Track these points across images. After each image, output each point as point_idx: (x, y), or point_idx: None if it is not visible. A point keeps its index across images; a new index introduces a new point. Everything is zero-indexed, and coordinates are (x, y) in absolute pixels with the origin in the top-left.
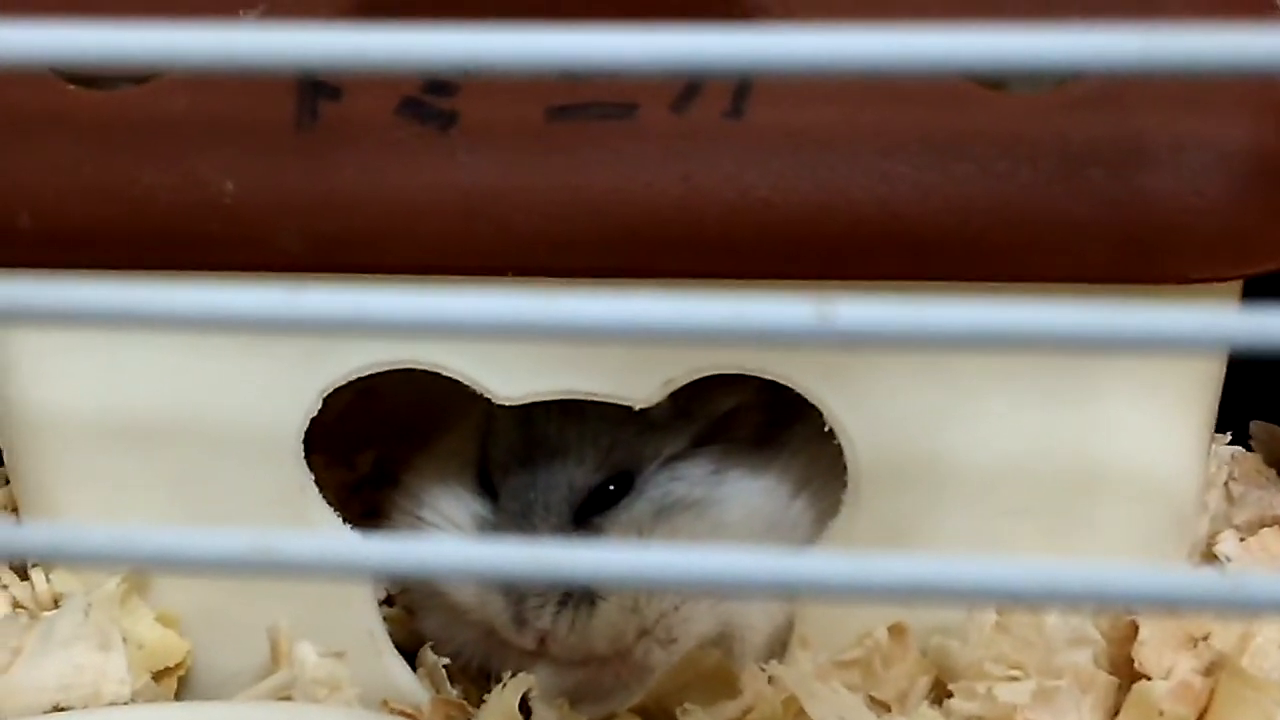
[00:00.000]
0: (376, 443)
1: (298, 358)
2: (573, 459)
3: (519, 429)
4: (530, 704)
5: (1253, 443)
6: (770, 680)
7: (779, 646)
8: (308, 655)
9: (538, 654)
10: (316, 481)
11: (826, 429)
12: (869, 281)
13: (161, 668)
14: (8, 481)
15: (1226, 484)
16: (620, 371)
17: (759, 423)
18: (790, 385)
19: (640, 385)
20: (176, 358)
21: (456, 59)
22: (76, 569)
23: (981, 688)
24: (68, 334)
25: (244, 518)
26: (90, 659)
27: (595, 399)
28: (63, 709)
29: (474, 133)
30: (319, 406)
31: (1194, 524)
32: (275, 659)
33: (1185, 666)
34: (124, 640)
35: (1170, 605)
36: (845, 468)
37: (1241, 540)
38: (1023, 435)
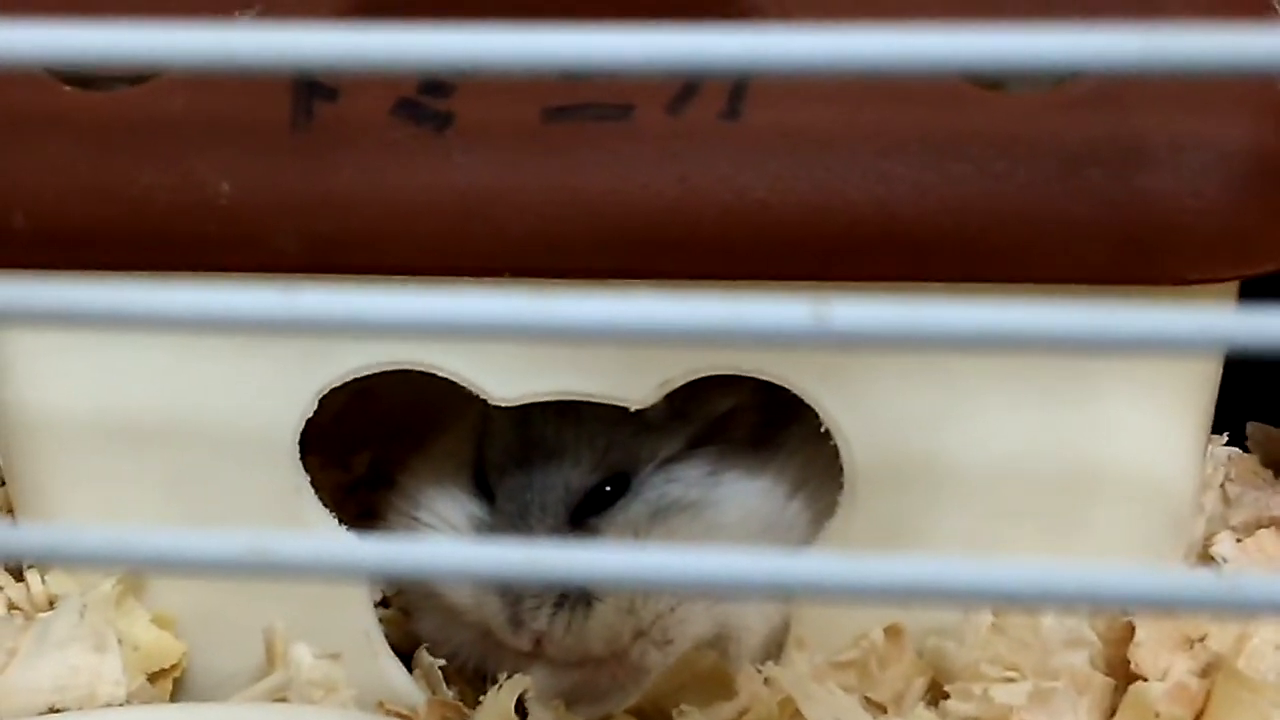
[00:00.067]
0: (372, 444)
1: (293, 359)
2: (569, 460)
3: (515, 430)
4: (526, 705)
5: (1249, 444)
6: (766, 681)
7: (775, 648)
8: (303, 657)
9: (534, 655)
10: (312, 483)
11: (823, 430)
12: (866, 282)
13: (157, 669)
14: (3, 483)
15: (1223, 485)
16: (616, 372)
17: (755, 424)
18: (786, 386)
19: (636, 386)
20: (172, 358)
21: (452, 59)
22: (72, 570)
23: (978, 689)
24: (63, 335)
25: (240, 519)
26: (85, 660)
27: (591, 400)
28: (58, 710)
29: (470, 133)
30: (315, 407)
31: (1190, 525)
32: (271, 660)
33: (1181, 668)
34: (119, 642)
35: (1166, 606)
36: (841, 469)
37: (1238, 541)
38: (1019, 436)
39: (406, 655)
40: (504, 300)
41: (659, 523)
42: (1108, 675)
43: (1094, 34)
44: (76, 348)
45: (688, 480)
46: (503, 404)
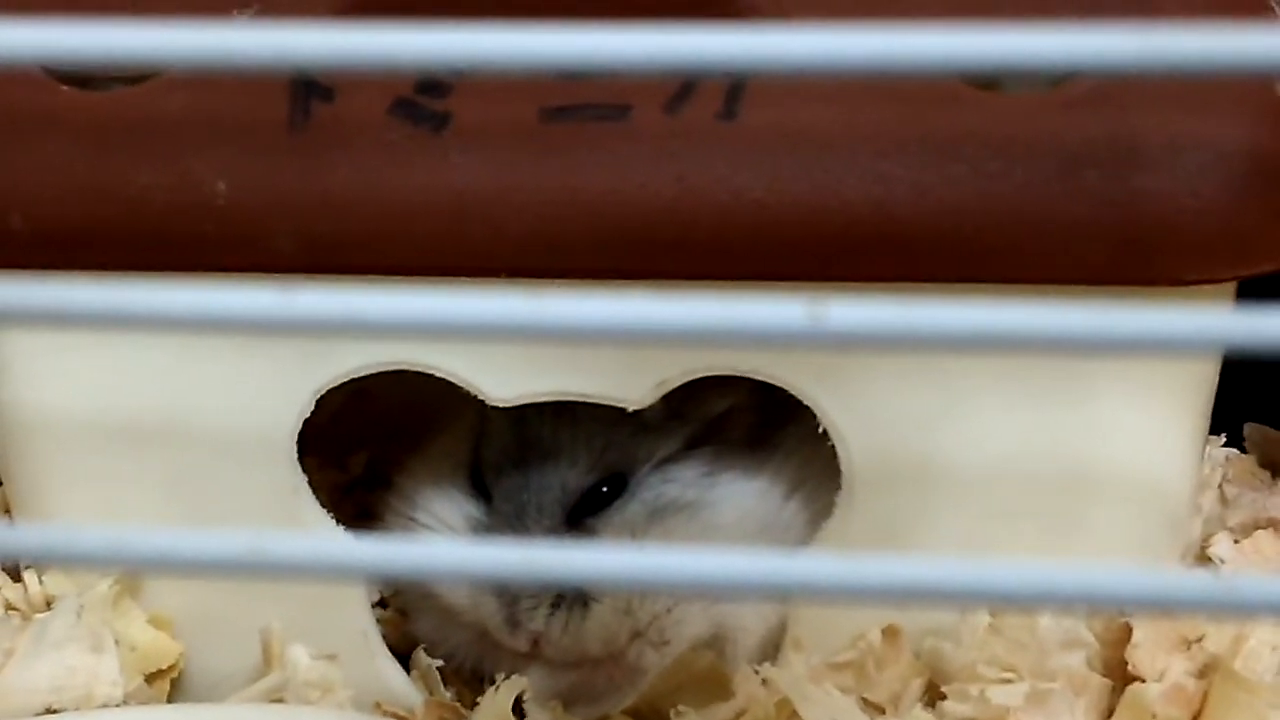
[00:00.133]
0: (369, 444)
1: (291, 359)
2: (566, 460)
3: (512, 430)
4: (524, 706)
5: (1247, 445)
6: (763, 682)
7: (772, 648)
8: (300, 657)
9: (531, 656)
10: (310, 483)
11: (820, 430)
12: (863, 283)
13: (154, 670)
14: (1, 483)
15: (1221, 486)
16: (613, 373)
17: (752, 424)
18: (783, 387)
19: (633, 387)
20: (169, 359)
21: (449, 58)
22: (69, 571)
23: (975, 690)
24: (61, 335)
25: (237, 519)
26: (82, 661)
27: (588, 400)
28: (55, 711)
29: (467, 134)
30: (312, 408)
31: (1187, 526)
32: (268, 661)
33: (1178, 669)
34: (116, 642)
35: (1163, 607)
36: (839, 469)
37: (1235, 542)
38: (1017, 436)
39: (404, 656)
40: (501, 301)
41: (656, 523)
42: (1105, 676)
43: (1091, 34)
44: (74, 348)
45: (685, 481)
46: (500, 404)
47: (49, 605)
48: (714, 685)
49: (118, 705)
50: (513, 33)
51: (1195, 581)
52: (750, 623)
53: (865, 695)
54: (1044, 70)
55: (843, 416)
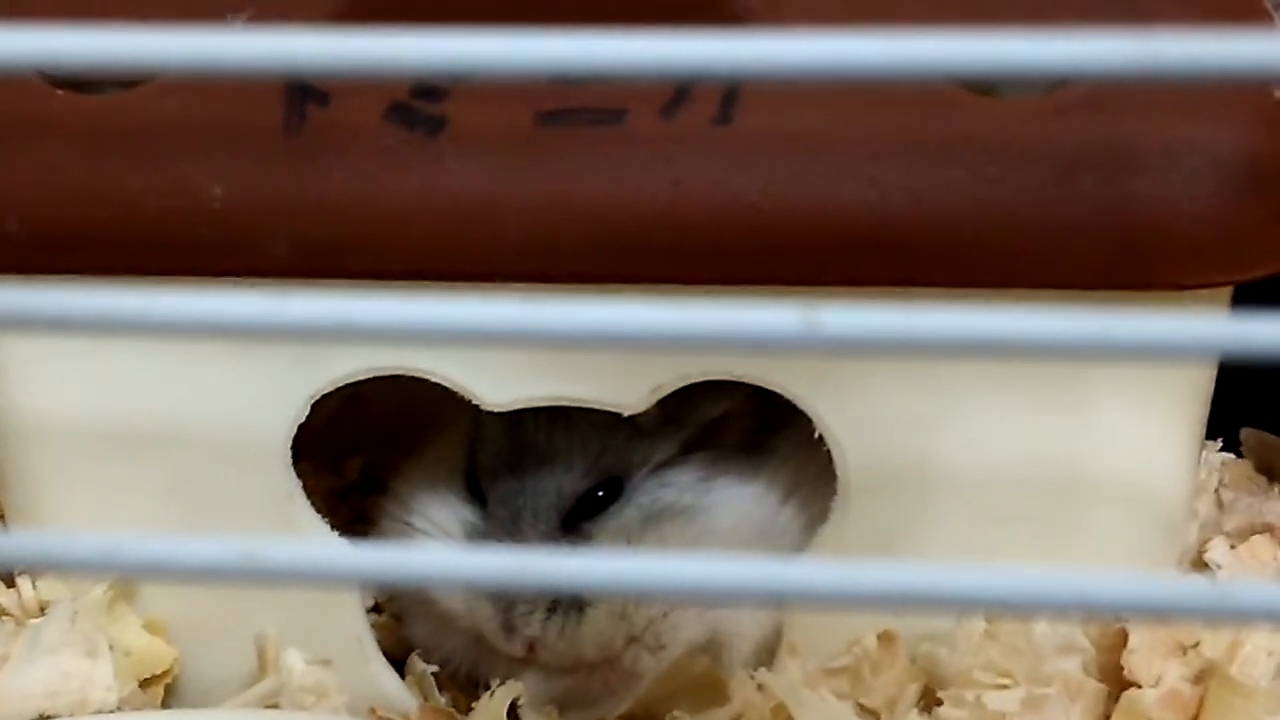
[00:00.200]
0: (365, 449)
1: (286, 364)
2: (561, 465)
3: (507, 435)
4: (519, 711)
5: (1243, 450)
6: (759, 687)
7: (768, 654)
8: (295, 663)
9: (526, 661)
10: (305, 488)
11: (816, 435)
12: (859, 287)
13: (148, 675)
14: None
15: (1217, 491)
16: (609, 378)
17: (748, 429)
18: (779, 392)
19: (629, 391)
20: (164, 364)
21: (444, 64)
22: (63, 577)
23: (970, 695)
24: (57, 340)
25: (232, 524)
26: (77, 666)
27: (584, 405)
28: (49, 717)
29: (463, 138)
30: (307, 413)
31: (1184, 531)
32: (262, 666)
33: (1174, 674)
34: (111, 647)
35: (1159, 614)
36: (834, 474)
37: (1232, 547)
38: (1013, 442)
39: (399, 661)
40: (496, 305)
41: (651, 528)
42: (1101, 681)
43: (1084, 40)
44: (69, 353)
45: (680, 485)
46: (495, 409)
47: (43, 610)
48: (710, 690)
49: (112, 711)
50: (508, 38)
51: (1191, 587)
52: (746, 628)
53: (861, 700)
54: (1040, 76)
55: (838, 421)
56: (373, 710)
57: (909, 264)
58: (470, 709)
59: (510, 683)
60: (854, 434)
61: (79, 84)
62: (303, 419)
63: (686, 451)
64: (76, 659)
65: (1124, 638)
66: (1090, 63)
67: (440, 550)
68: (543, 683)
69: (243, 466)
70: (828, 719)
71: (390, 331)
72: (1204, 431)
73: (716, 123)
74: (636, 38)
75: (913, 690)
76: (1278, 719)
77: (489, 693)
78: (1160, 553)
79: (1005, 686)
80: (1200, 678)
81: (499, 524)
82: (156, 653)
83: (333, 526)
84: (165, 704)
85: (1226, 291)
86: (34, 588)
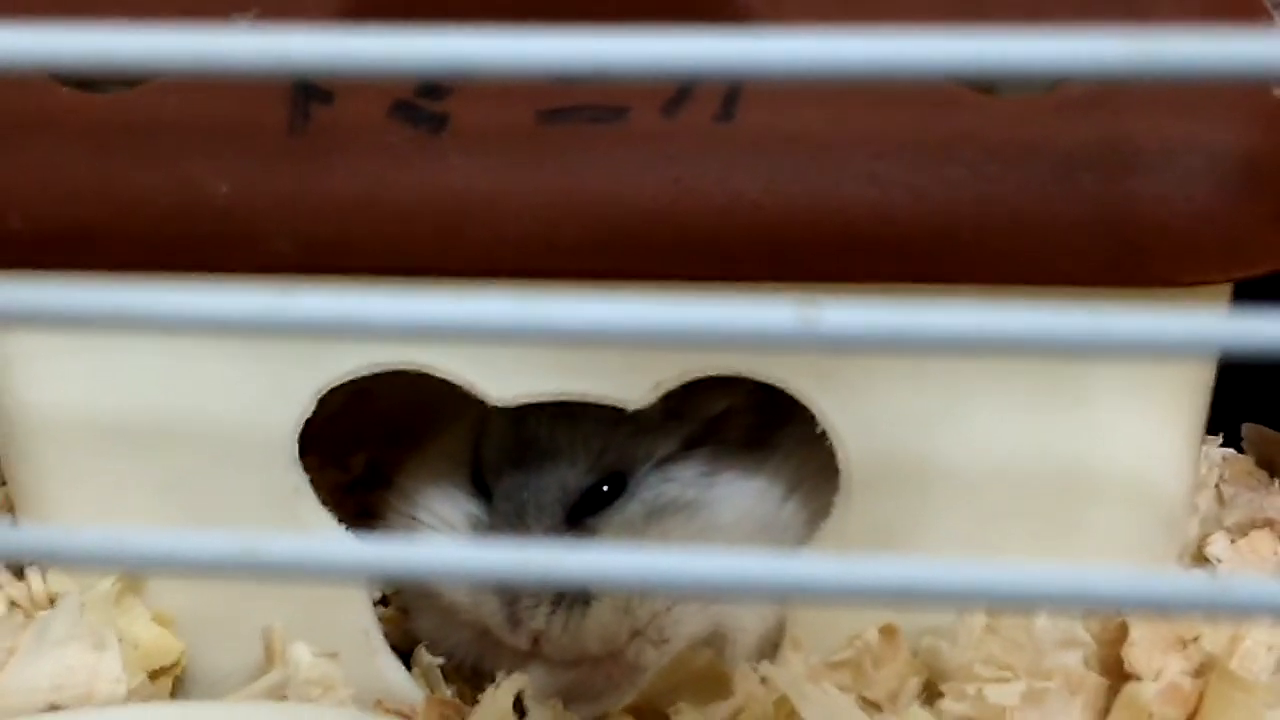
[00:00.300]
0: (370, 444)
1: (292, 359)
2: (565, 460)
3: (512, 430)
4: (524, 704)
5: (1244, 445)
6: (762, 680)
7: (770, 647)
8: (302, 655)
9: (531, 654)
10: (310, 483)
11: (819, 431)
12: (860, 284)
13: (156, 667)
14: (3, 482)
15: (1218, 486)
16: (612, 373)
17: (751, 425)
18: (781, 387)
19: (632, 387)
20: (170, 359)
21: (448, 63)
22: (70, 570)
23: (971, 689)
24: (62, 336)
25: (238, 519)
26: (85, 659)
27: (588, 400)
28: (57, 708)
29: (465, 136)
30: (313, 408)
31: (1184, 526)
32: (269, 659)
33: (1175, 668)
34: (119, 640)
35: (1159, 609)
36: (837, 470)
37: (1232, 542)
38: (1014, 437)
39: (405, 654)
40: (499, 302)
41: (655, 523)
42: (1101, 675)
43: (1083, 39)
44: (75, 349)
45: (684, 480)
46: (499, 404)
47: (52, 603)
48: (713, 683)
49: (120, 703)
50: (510, 37)
51: (1191, 582)
52: (749, 621)
53: (863, 694)
54: (1039, 75)
55: (840, 417)
56: (379, 703)
57: (910, 261)
58: (476, 701)
59: (515, 675)
60: (856, 430)
61: (84, 81)
62: (309, 414)
63: (690, 447)
64: (84, 651)
65: (1124, 632)
66: (1089, 62)
67: (444, 544)
68: (547, 676)
69: (249, 462)
70: (830, 712)
71: (394, 328)
72: (1204, 427)
73: (718, 120)
74: (638, 37)
75: (914, 684)
76: (1278, 713)
77: (494, 685)
78: (1161, 548)
79: (1006, 680)
80: (1200, 672)
81: (504, 518)
82: (164, 645)
83: (338, 521)
84: (173, 696)
85: (1226, 288)
86: (43, 580)
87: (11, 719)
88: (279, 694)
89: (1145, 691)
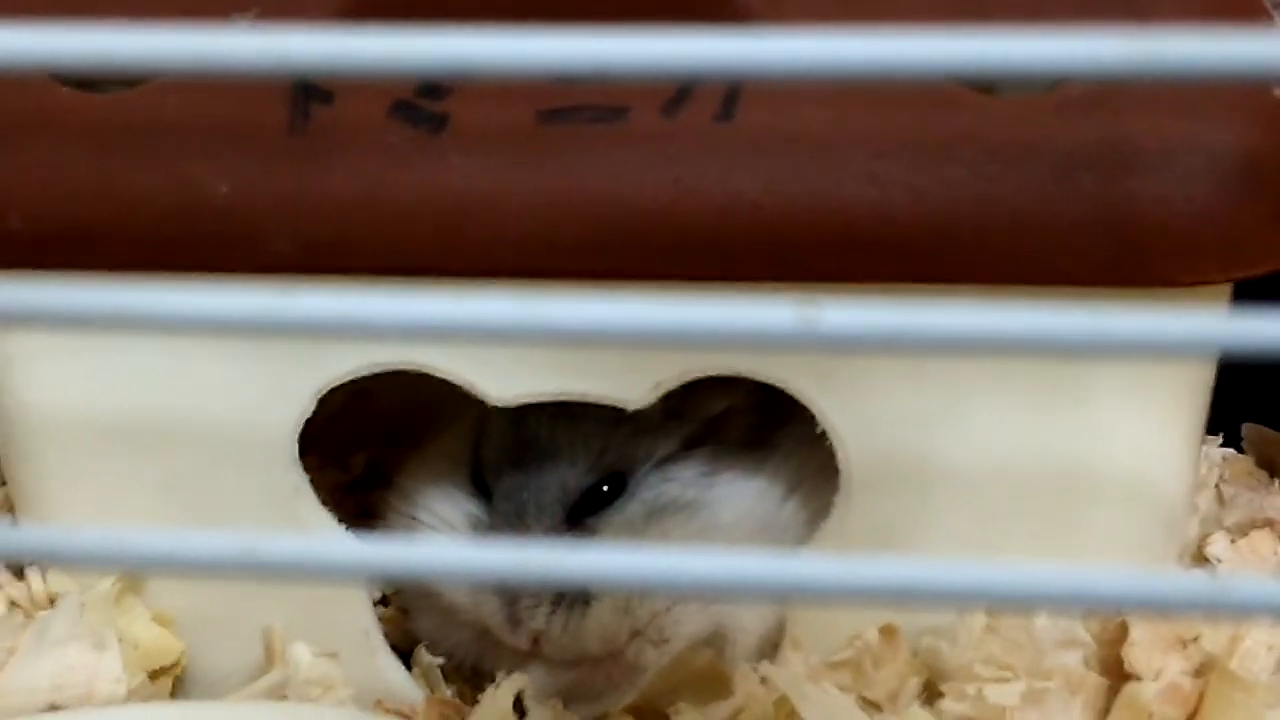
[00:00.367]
0: (370, 444)
1: (292, 359)
2: (565, 460)
3: (512, 430)
4: (524, 704)
5: (1245, 445)
6: (762, 680)
7: (771, 647)
8: (302, 655)
9: (531, 654)
10: (310, 482)
11: (819, 431)
12: (860, 284)
13: (156, 667)
14: (3, 482)
15: (1218, 486)
16: (612, 373)
17: (751, 425)
18: (781, 387)
19: (632, 387)
20: (170, 359)
21: (447, 63)
22: (70, 570)
23: (971, 689)
24: (62, 336)
25: (238, 519)
26: (85, 658)
27: (588, 400)
28: (57, 708)
29: (466, 136)
30: (313, 408)
31: (1184, 526)
32: (269, 659)
33: (1175, 668)
34: (119, 640)
35: (1159, 609)
36: (837, 470)
37: (1232, 542)
38: (1014, 437)
39: (405, 654)
40: (498, 302)
41: (655, 522)
42: (1101, 675)
43: (1085, 39)
44: (75, 349)
45: (684, 480)
46: (499, 404)
47: (52, 603)
48: (713, 683)
49: (120, 703)
50: (510, 37)
51: (1191, 583)
52: (749, 621)
53: (863, 694)
54: (1039, 76)
55: (840, 417)
56: (379, 702)
57: (910, 261)
58: (476, 701)
59: (515, 675)
60: (856, 430)
61: (84, 81)
62: (309, 414)
63: (690, 447)
64: (84, 651)
65: (1124, 632)
66: (1088, 62)
67: (444, 545)
68: (547, 676)
69: (249, 461)
70: (830, 712)
71: (394, 328)
72: (1204, 427)
73: (718, 121)
74: (638, 37)
75: (914, 684)
76: (1277, 713)
77: (494, 685)
78: (1160, 548)
79: (1006, 680)
80: (1200, 672)
81: (504, 518)
82: (164, 645)
83: (338, 521)
84: (173, 696)
85: (1226, 288)
86: (43, 580)
87: (11, 719)
88: (279, 694)
89: (1145, 691)
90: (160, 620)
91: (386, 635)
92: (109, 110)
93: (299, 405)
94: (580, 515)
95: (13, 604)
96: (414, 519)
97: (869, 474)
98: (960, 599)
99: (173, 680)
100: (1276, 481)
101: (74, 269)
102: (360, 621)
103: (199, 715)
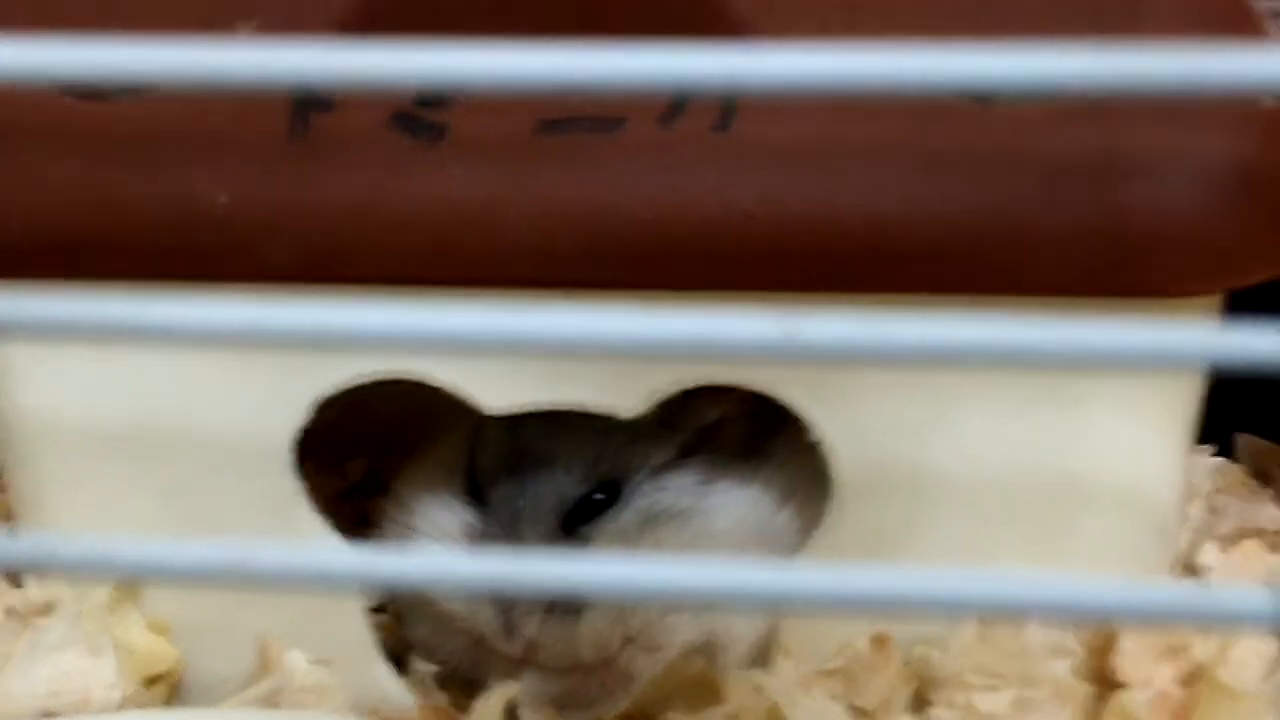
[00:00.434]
0: (367, 451)
1: (290, 367)
2: (560, 468)
3: (507, 438)
4: (517, 711)
5: (1238, 455)
6: (754, 689)
7: (762, 655)
8: (297, 663)
9: (525, 661)
10: (307, 489)
11: (812, 440)
12: (854, 294)
13: (151, 674)
14: (2, 489)
15: (1209, 495)
16: (607, 382)
17: (744, 434)
18: (773, 397)
19: (626, 396)
20: (168, 367)
21: (445, 76)
22: (64, 579)
23: (962, 698)
24: (61, 344)
25: (235, 526)
26: (80, 665)
27: (582, 409)
28: (52, 715)
29: (464, 146)
30: (310, 416)
31: (1175, 535)
32: (264, 666)
33: (1164, 677)
34: (114, 647)
35: (1149, 619)
36: (830, 479)
37: (1224, 551)
38: (1006, 447)
39: (399, 661)
40: (495, 313)
41: (649, 531)
42: (1091, 683)
43: (1079, 54)
44: (73, 357)
45: (678, 489)
46: (495, 413)
47: (48, 610)
48: (705, 691)
49: (115, 710)
50: (508, 50)
51: (1181, 593)
52: (741, 630)
53: (854, 702)
54: (1034, 91)
55: (833, 426)
56: (374, 710)
57: (904, 271)
58: (470, 708)
59: (509, 683)
60: (849, 439)
61: (84, 91)
62: (306, 422)
63: (684, 455)
64: (80, 658)
65: (1114, 640)
66: (1083, 77)
67: (438, 554)
68: (541, 683)
69: (246, 469)
70: None
71: (391, 338)
72: (1194, 436)
73: (715, 131)
74: (634, 51)
75: (905, 692)
76: None
77: (488, 693)
78: (1151, 557)
79: (996, 688)
80: (1190, 680)
81: (499, 526)
82: (159, 652)
83: (335, 528)
84: (168, 703)
85: (1218, 299)
86: (39, 587)
87: None
88: (273, 701)
89: (1135, 700)
90: (155, 627)
91: (381, 642)
92: (109, 119)
93: (296, 413)
94: (575, 523)
95: (9, 611)
96: (410, 527)
97: (861, 482)
98: (951, 608)
99: (167, 687)
100: (1268, 491)
101: (73, 279)
102: (355, 629)
103: None
